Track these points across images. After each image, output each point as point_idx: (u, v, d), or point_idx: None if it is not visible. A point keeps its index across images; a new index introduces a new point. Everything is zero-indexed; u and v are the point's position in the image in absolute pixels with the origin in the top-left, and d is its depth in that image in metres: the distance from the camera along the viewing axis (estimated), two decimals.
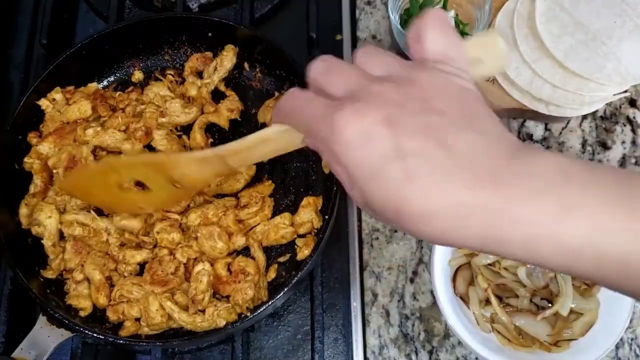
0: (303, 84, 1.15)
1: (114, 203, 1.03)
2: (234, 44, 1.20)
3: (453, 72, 0.62)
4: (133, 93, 1.19)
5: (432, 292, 1.12)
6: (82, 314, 1.05)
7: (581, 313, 1.03)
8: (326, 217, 1.05)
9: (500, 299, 1.05)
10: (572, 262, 0.56)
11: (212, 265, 1.06)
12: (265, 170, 1.17)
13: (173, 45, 1.24)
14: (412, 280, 1.14)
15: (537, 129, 1.22)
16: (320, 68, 0.68)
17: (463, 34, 1.17)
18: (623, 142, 1.22)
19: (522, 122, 1.23)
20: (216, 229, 1.07)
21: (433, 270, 1.04)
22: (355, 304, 1.12)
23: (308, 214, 1.10)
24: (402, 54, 1.25)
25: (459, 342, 1.09)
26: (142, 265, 1.08)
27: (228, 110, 1.18)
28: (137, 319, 1.05)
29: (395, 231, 1.16)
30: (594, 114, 1.23)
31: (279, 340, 1.11)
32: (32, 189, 1.11)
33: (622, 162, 1.20)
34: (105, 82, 1.23)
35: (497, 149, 0.58)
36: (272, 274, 1.10)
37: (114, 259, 1.08)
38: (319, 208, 1.12)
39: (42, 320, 1.00)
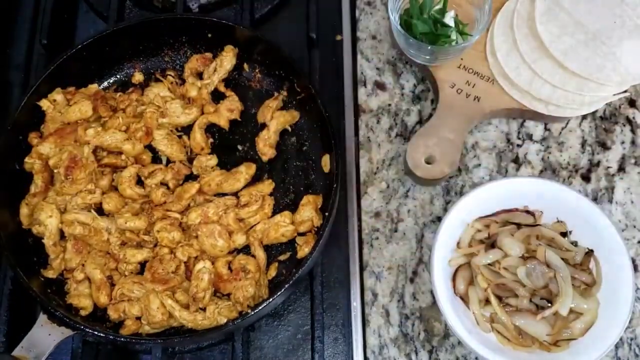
0: (302, 83, 1.16)
1: None
2: (234, 44, 1.20)
3: None
4: (133, 94, 1.19)
5: (431, 292, 1.12)
6: (83, 313, 1.05)
7: (581, 313, 1.03)
8: (326, 214, 1.06)
9: (500, 298, 1.05)
10: None
11: (212, 263, 1.07)
12: (265, 169, 1.17)
13: (173, 46, 1.24)
14: (412, 280, 1.14)
15: (536, 129, 1.23)
16: None
17: (463, 34, 1.17)
18: (623, 142, 1.22)
19: (521, 122, 1.23)
20: (217, 228, 1.07)
21: (433, 270, 1.04)
22: (355, 304, 1.12)
23: (308, 212, 1.10)
24: (402, 53, 1.25)
25: (459, 342, 1.09)
26: (142, 264, 1.09)
27: (228, 110, 1.18)
28: (138, 318, 1.05)
29: (395, 231, 1.16)
30: (593, 114, 1.23)
31: (279, 340, 1.11)
32: (32, 189, 1.11)
33: (622, 162, 1.20)
34: (105, 83, 1.24)
35: None
36: (272, 272, 1.10)
37: (114, 258, 1.08)
38: (319, 206, 1.12)
39: (42, 318, 1.01)
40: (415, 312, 1.12)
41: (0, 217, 1.06)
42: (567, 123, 1.23)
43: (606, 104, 1.21)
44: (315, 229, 1.11)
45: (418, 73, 1.27)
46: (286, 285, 1.00)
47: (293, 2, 1.33)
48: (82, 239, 1.07)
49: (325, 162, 1.14)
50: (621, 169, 1.20)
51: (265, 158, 1.17)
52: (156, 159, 1.17)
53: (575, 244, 1.08)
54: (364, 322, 1.11)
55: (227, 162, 1.18)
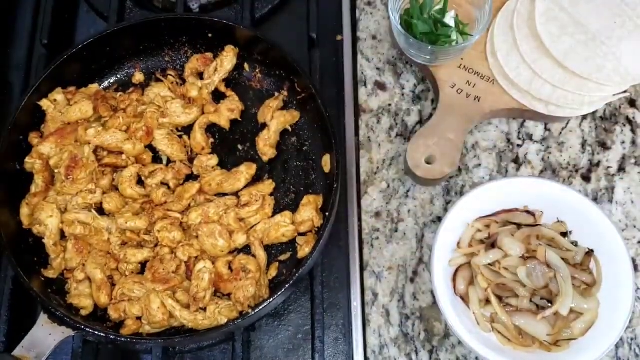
0: (303, 83, 1.16)
1: None
2: (234, 44, 1.20)
3: None
4: (134, 94, 1.19)
5: (432, 292, 1.12)
6: (84, 313, 1.05)
7: (581, 313, 1.04)
8: (326, 214, 1.06)
9: (500, 298, 1.05)
10: None
11: (213, 263, 1.07)
12: (265, 169, 1.17)
13: (173, 46, 1.24)
14: (412, 280, 1.14)
15: (536, 129, 1.23)
16: None
17: (463, 34, 1.17)
18: (623, 143, 1.22)
19: (522, 122, 1.23)
20: (217, 227, 1.08)
21: (433, 270, 1.04)
22: (356, 304, 1.12)
23: (308, 212, 1.10)
24: (403, 53, 1.25)
25: (459, 342, 1.09)
26: (143, 264, 1.09)
27: (228, 110, 1.18)
28: (139, 318, 1.05)
29: (396, 231, 1.17)
30: (593, 114, 1.23)
31: (280, 340, 1.11)
32: (33, 189, 1.11)
33: (622, 162, 1.21)
34: (106, 83, 1.24)
35: None
36: (273, 272, 1.10)
37: (115, 258, 1.08)
38: (319, 206, 1.12)
39: (43, 318, 1.01)
40: (415, 312, 1.12)
41: (0, 217, 1.06)
42: (567, 123, 1.23)
43: (606, 104, 1.21)
44: (316, 229, 1.11)
45: (418, 73, 1.27)
46: (287, 285, 1.00)
47: (293, 2, 1.33)
48: (82, 238, 1.07)
49: (326, 162, 1.14)
50: (621, 169, 1.20)
51: (265, 158, 1.17)
52: (157, 158, 1.17)
53: (575, 244, 1.08)
54: (365, 322, 1.11)
55: (228, 162, 1.18)
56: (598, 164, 1.20)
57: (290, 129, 1.19)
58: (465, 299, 1.07)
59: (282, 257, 1.12)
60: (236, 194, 1.14)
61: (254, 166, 1.15)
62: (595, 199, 1.18)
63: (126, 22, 1.27)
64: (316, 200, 1.11)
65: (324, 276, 1.13)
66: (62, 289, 1.08)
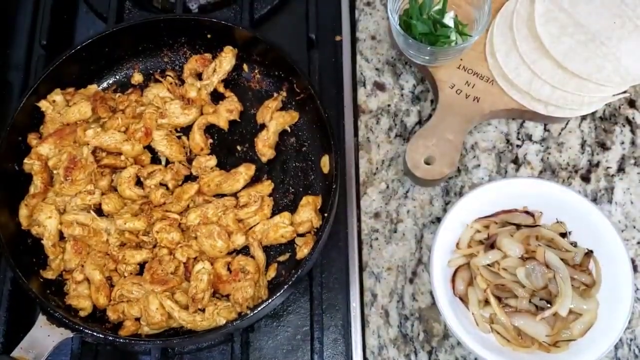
0: (301, 84, 1.16)
1: None
2: (233, 45, 1.20)
3: None
4: (133, 94, 1.19)
5: (431, 293, 1.12)
6: (82, 314, 1.05)
7: (580, 314, 1.03)
8: (325, 215, 1.06)
9: (499, 299, 1.05)
10: None
11: (212, 264, 1.07)
12: (264, 170, 1.17)
13: (172, 47, 1.24)
14: (411, 281, 1.14)
15: (536, 130, 1.22)
16: None
17: (462, 34, 1.17)
18: (622, 143, 1.22)
19: (521, 122, 1.23)
20: (216, 228, 1.07)
21: (432, 270, 1.04)
22: (355, 305, 1.12)
23: (307, 213, 1.10)
24: (402, 54, 1.25)
25: (458, 343, 1.09)
26: (142, 265, 1.09)
27: (227, 111, 1.18)
28: (137, 319, 1.05)
29: (395, 231, 1.16)
30: (593, 114, 1.23)
31: (279, 341, 1.11)
32: (32, 190, 1.11)
33: (621, 162, 1.20)
34: (105, 84, 1.24)
35: None
36: (271, 273, 1.10)
37: (114, 259, 1.08)
38: (318, 207, 1.12)
39: (41, 319, 1.01)
40: (414, 313, 1.12)
41: None
42: (567, 124, 1.23)
43: (606, 104, 1.21)
44: (315, 230, 1.11)
45: (417, 73, 1.27)
46: (285, 286, 1.00)
47: (292, 2, 1.33)
48: (81, 239, 1.07)
49: (325, 162, 1.14)
50: (621, 169, 1.20)
51: (264, 159, 1.17)
52: (155, 159, 1.17)
53: (574, 244, 1.08)
54: (364, 323, 1.11)
55: (227, 163, 1.18)
56: (597, 165, 1.20)
57: (289, 129, 1.19)
58: (464, 299, 1.07)
59: (281, 258, 1.12)
60: (235, 195, 1.14)
61: (253, 167, 1.15)
62: (594, 200, 1.18)
63: (125, 22, 1.27)
64: (315, 201, 1.11)
65: (323, 277, 1.13)
66: (61, 290, 1.08)
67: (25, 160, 1.12)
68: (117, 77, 1.24)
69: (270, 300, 0.99)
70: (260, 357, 1.10)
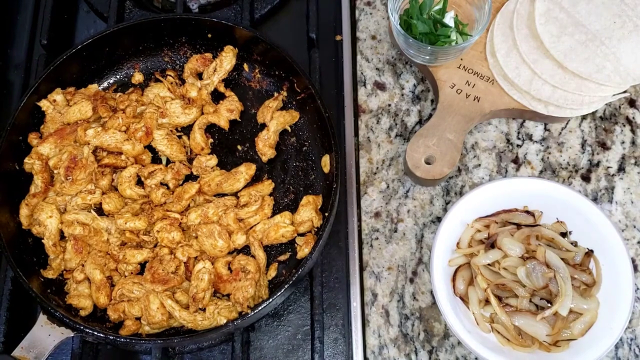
0: (302, 83, 1.16)
1: None
2: (234, 44, 1.20)
3: None
4: (133, 94, 1.19)
5: (431, 292, 1.12)
6: (83, 313, 1.05)
7: (580, 313, 1.04)
8: (326, 214, 1.06)
9: (499, 299, 1.05)
10: None
11: (212, 263, 1.07)
12: (265, 169, 1.17)
13: (173, 46, 1.24)
14: (411, 281, 1.14)
15: (536, 129, 1.23)
16: None
17: (463, 34, 1.17)
18: (622, 143, 1.22)
19: (521, 122, 1.23)
20: (216, 228, 1.07)
21: (432, 270, 1.04)
22: (355, 304, 1.12)
23: (308, 212, 1.10)
24: (402, 54, 1.25)
25: (459, 342, 1.09)
26: (142, 265, 1.09)
27: (228, 110, 1.18)
28: (138, 318, 1.05)
29: (395, 231, 1.16)
30: (593, 114, 1.23)
31: (279, 340, 1.11)
32: (32, 189, 1.11)
33: (622, 162, 1.20)
34: (105, 84, 1.24)
35: None
36: (272, 273, 1.10)
37: (114, 259, 1.08)
38: (319, 207, 1.12)
39: (42, 319, 1.01)
40: (415, 313, 1.12)
41: (0, 217, 1.06)
42: (567, 123, 1.23)
43: (606, 104, 1.21)
44: (315, 230, 1.11)
45: (418, 73, 1.27)
46: (286, 286, 1.00)
47: (293, 2, 1.33)
48: (82, 239, 1.07)
49: (325, 162, 1.14)
50: (621, 169, 1.20)
51: (265, 158, 1.17)
52: (156, 159, 1.17)
53: (575, 244, 1.08)
54: (364, 323, 1.11)
55: (227, 163, 1.18)
56: (598, 164, 1.20)
57: (289, 129, 1.19)
58: (464, 299, 1.07)
59: (282, 258, 1.12)
60: (235, 195, 1.14)
61: (254, 166, 1.15)
62: (595, 199, 1.18)
63: (125, 22, 1.27)
64: (315, 200, 1.11)
65: (323, 276, 1.13)
66: (62, 290, 1.08)
67: (26, 160, 1.12)
68: (118, 76, 1.24)
69: (270, 299, 0.99)
70: (261, 357, 1.10)
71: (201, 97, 1.19)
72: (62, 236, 1.09)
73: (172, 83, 1.20)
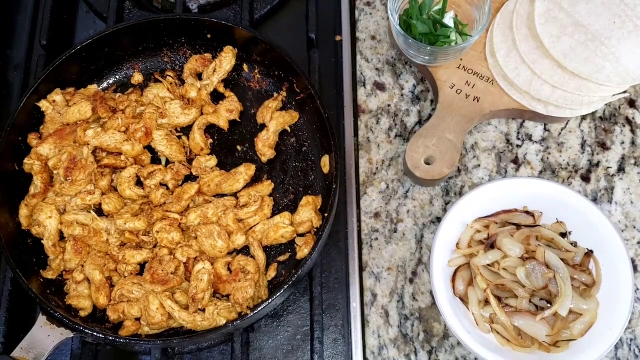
0: (302, 84, 1.16)
1: None
2: (233, 45, 1.20)
3: None
4: (133, 94, 1.19)
5: (431, 293, 1.12)
6: (83, 314, 1.05)
7: (580, 314, 1.03)
8: (326, 215, 1.06)
9: (499, 299, 1.05)
10: None
11: (212, 264, 1.07)
12: (264, 170, 1.17)
13: (172, 47, 1.24)
14: (411, 281, 1.14)
15: (536, 130, 1.22)
16: None
17: (462, 34, 1.17)
18: (622, 143, 1.22)
19: (521, 122, 1.23)
20: (216, 228, 1.07)
21: (432, 270, 1.04)
22: (355, 305, 1.12)
23: (308, 213, 1.10)
24: (402, 54, 1.25)
25: (458, 343, 1.09)
26: (142, 265, 1.09)
27: (227, 111, 1.18)
28: (138, 319, 1.05)
29: (395, 231, 1.16)
30: (593, 114, 1.23)
31: (279, 341, 1.11)
32: (32, 190, 1.11)
33: (622, 162, 1.20)
34: (105, 84, 1.24)
35: None
36: (272, 273, 1.10)
37: (114, 259, 1.08)
38: (319, 207, 1.12)
39: (42, 320, 1.01)
40: (414, 313, 1.12)
41: (0, 218, 1.06)
42: (567, 124, 1.23)
43: (606, 104, 1.21)
44: (315, 230, 1.11)
45: (418, 73, 1.27)
46: (285, 286, 1.00)
47: (292, 2, 1.33)
48: (81, 239, 1.07)
49: (325, 162, 1.14)
50: (621, 169, 1.20)
51: (264, 159, 1.17)
52: (156, 159, 1.17)
53: (575, 244, 1.08)
54: (364, 323, 1.11)
55: (227, 163, 1.18)
56: (597, 165, 1.20)
57: (289, 129, 1.19)
58: (464, 299, 1.07)
59: (281, 258, 1.12)
60: (235, 195, 1.14)
61: (253, 167, 1.15)
62: (594, 200, 1.18)
63: (125, 22, 1.27)
64: (315, 201, 1.11)
65: (323, 277, 1.13)
66: (61, 290, 1.08)
67: (26, 161, 1.12)
68: (117, 77, 1.24)
69: (270, 300, 0.99)
70: (261, 357, 1.10)
71: (201, 98, 1.19)
72: (61, 237, 1.09)
73: (171, 83, 1.20)
